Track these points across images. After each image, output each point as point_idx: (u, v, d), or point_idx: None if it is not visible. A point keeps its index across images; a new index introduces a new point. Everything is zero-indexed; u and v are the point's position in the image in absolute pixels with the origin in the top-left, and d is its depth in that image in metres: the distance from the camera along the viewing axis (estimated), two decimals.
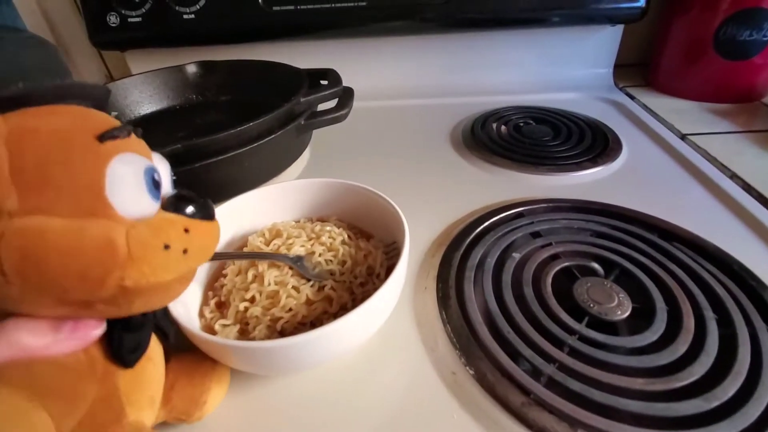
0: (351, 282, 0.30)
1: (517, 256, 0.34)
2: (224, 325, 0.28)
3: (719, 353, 0.26)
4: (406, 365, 0.28)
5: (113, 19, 0.59)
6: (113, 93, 0.53)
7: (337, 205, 0.36)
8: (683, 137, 0.52)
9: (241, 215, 0.34)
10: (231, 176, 0.41)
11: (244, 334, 0.27)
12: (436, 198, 0.44)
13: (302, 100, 0.44)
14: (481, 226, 0.38)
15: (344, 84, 0.49)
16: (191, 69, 0.57)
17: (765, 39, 0.53)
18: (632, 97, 0.63)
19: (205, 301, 0.30)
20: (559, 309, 0.30)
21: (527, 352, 0.27)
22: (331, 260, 0.31)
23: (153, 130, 0.52)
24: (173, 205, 0.18)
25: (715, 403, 0.24)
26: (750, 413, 0.23)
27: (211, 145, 0.37)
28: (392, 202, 0.32)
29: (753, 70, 0.56)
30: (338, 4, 0.58)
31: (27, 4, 0.67)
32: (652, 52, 0.67)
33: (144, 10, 0.59)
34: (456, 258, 0.35)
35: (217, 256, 0.30)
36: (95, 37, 0.61)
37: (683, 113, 0.57)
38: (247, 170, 0.41)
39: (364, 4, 0.58)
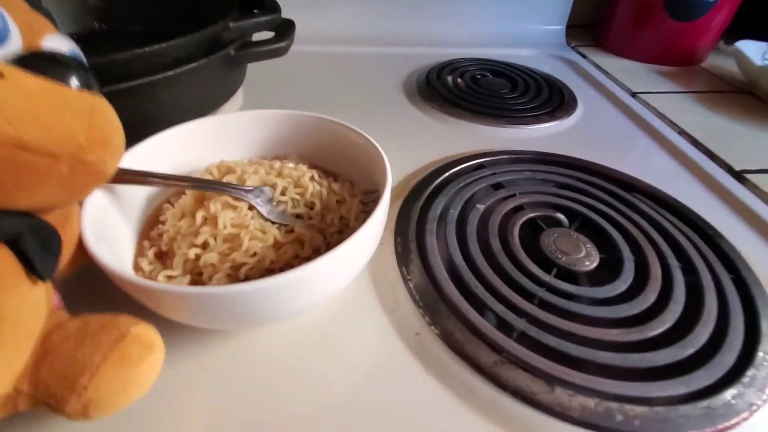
0: (323, 228, 0.25)
1: (481, 207, 0.31)
2: (170, 277, 0.22)
3: (687, 301, 0.25)
4: (363, 329, 0.24)
5: None
6: None
7: (298, 143, 0.30)
8: (634, 95, 0.52)
9: (171, 153, 0.27)
10: (140, 112, 0.33)
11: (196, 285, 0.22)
12: (390, 148, 0.38)
13: (232, 25, 0.36)
14: (441, 177, 0.35)
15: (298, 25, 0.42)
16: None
17: (711, 1, 0.54)
18: (584, 56, 0.62)
19: (140, 253, 0.24)
20: (528, 261, 0.27)
21: (497, 306, 0.24)
22: (297, 199, 0.26)
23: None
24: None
25: (690, 351, 0.22)
26: (725, 360, 0.22)
27: (113, 68, 0.29)
28: (370, 138, 0.28)
29: (697, 33, 0.57)
30: None
31: None
32: (602, 14, 0.66)
33: None
34: (415, 210, 0.31)
35: (143, 179, 0.23)
36: None
37: (631, 73, 0.57)
38: (162, 106, 0.33)
39: None
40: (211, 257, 0.22)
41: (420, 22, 0.63)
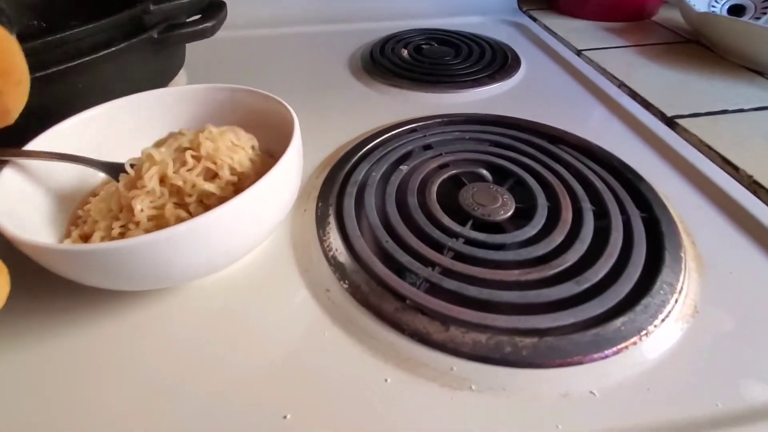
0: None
1: (405, 168, 0.32)
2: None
3: (593, 240, 0.26)
4: (279, 289, 0.25)
5: None
6: None
7: (217, 117, 0.30)
8: (579, 53, 0.52)
9: (89, 134, 0.28)
10: (62, 99, 0.33)
11: None
12: (330, 124, 0.39)
13: (153, 8, 0.36)
14: (370, 144, 0.35)
15: (233, 7, 0.42)
16: None
17: None
18: (534, 19, 0.62)
19: (67, 235, 0.25)
20: (442, 214, 0.28)
21: (405, 258, 0.25)
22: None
23: None
24: None
25: (586, 285, 0.23)
26: (619, 290, 0.23)
27: (27, 57, 0.30)
28: (277, 98, 0.28)
29: None
30: None
31: None
32: None
33: None
34: (339, 176, 0.32)
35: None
36: None
37: (581, 32, 0.57)
38: (87, 91, 0.34)
39: None
40: (135, 234, 0.22)
41: None
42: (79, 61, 0.31)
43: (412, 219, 0.27)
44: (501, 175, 0.32)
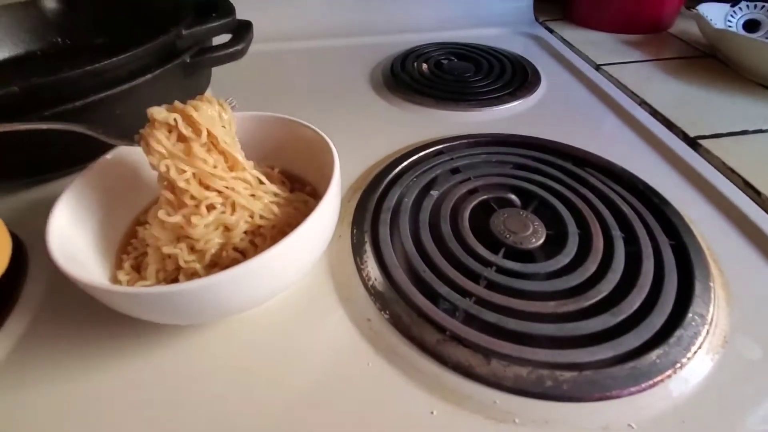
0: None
1: (435, 193, 0.33)
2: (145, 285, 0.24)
3: (625, 269, 0.27)
4: (320, 319, 0.26)
5: None
6: None
7: (257, 145, 0.31)
8: (597, 68, 0.52)
9: (131, 167, 0.28)
10: (98, 126, 0.34)
11: None
12: (355, 143, 0.40)
13: (185, 32, 0.37)
14: (399, 167, 0.36)
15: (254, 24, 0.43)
16: (49, 4, 0.47)
17: None
18: (551, 31, 0.62)
19: (118, 266, 0.26)
20: (476, 243, 0.28)
21: (443, 289, 0.25)
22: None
23: (7, 84, 0.42)
24: None
25: (622, 317, 0.24)
26: (654, 323, 0.24)
27: (62, 87, 0.30)
28: (319, 131, 0.29)
29: (659, 2, 0.57)
30: None
31: None
32: None
33: None
34: (372, 201, 0.32)
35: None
36: None
37: (598, 45, 0.57)
38: (121, 119, 0.35)
39: None
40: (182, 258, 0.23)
41: (384, 10, 0.63)
42: (119, 89, 0.32)
43: (447, 247, 0.28)
44: (529, 198, 0.33)
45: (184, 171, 0.23)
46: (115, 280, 0.25)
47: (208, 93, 0.25)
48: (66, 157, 0.35)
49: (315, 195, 0.31)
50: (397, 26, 0.62)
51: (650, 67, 0.52)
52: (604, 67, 0.52)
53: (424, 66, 0.53)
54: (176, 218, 0.23)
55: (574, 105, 0.46)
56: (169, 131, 0.23)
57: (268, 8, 0.59)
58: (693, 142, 0.39)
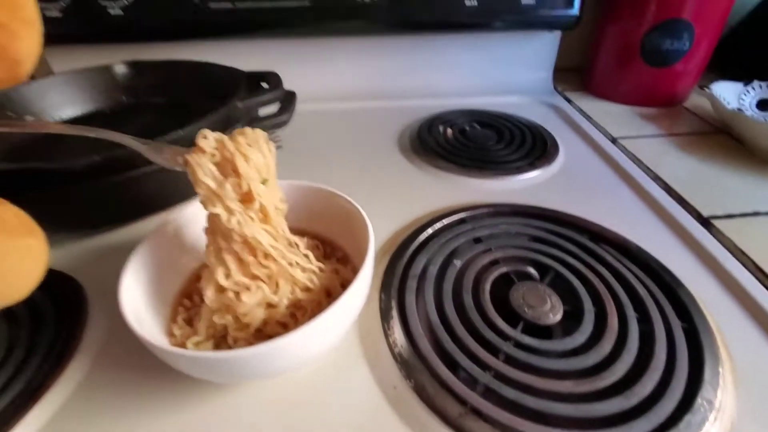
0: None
1: (458, 263, 0.35)
2: (197, 342, 0.27)
3: (639, 351, 0.28)
4: (347, 381, 0.28)
5: None
6: (30, 93, 0.49)
7: (294, 211, 0.34)
8: (614, 141, 0.55)
9: (192, 230, 0.32)
10: (163, 189, 0.39)
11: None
12: (382, 205, 0.44)
13: (240, 105, 0.42)
14: (425, 234, 0.39)
15: (286, 85, 0.48)
16: (120, 69, 0.54)
17: (685, 48, 0.58)
18: (569, 101, 0.66)
19: (173, 318, 0.29)
20: (496, 316, 0.30)
21: (465, 362, 0.27)
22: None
23: (78, 137, 0.48)
24: None
25: (635, 401, 0.25)
26: (665, 408, 0.25)
27: (136, 156, 0.35)
28: (357, 206, 0.31)
29: (675, 77, 0.61)
30: (280, 3, 0.56)
31: None
32: (586, 58, 0.70)
33: (63, 4, 0.54)
34: (399, 267, 0.35)
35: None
36: None
37: (615, 117, 0.61)
38: (182, 181, 0.39)
39: (307, 3, 0.56)
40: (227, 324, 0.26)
41: (414, 76, 0.68)
42: None
43: (469, 318, 0.30)
44: (547, 270, 0.35)
45: (233, 212, 0.24)
46: (170, 332, 0.28)
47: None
48: (129, 211, 0.39)
49: (346, 260, 0.34)
50: (425, 91, 0.67)
51: (665, 142, 0.54)
52: (620, 140, 0.55)
53: (449, 131, 0.57)
54: (228, 297, 0.26)
55: (591, 177, 0.49)
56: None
57: (307, 71, 0.65)
58: (706, 222, 0.41)
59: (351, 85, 0.67)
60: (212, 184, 0.24)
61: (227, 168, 0.24)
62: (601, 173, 0.49)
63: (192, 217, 0.32)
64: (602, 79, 0.67)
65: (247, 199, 0.25)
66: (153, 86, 0.54)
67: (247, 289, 0.26)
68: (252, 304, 0.26)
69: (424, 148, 0.53)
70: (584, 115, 0.62)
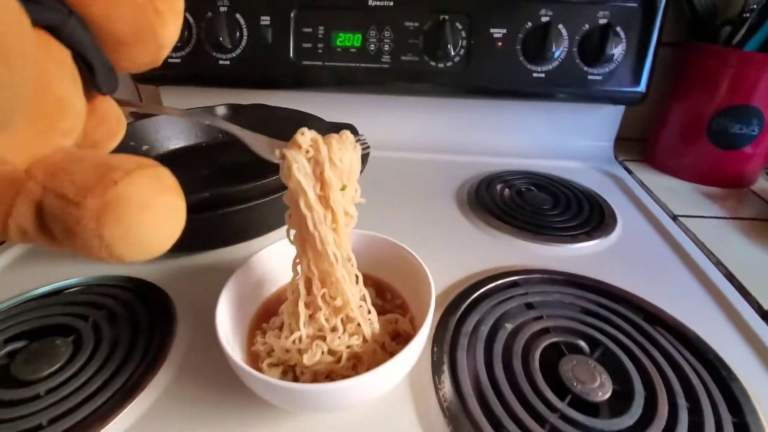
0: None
1: (509, 326, 0.37)
2: (270, 364, 0.31)
3: None
4: (397, 424, 0.30)
5: None
6: (147, 127, 0.57)
7: (359, 257, 0.38)
8: (675, 218, 0.55)
9: (271, 264, 0.37)
10: (250, 222, 0.44)
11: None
12: (436, 256, 0.45)
13: None
14: (478, 292, 0.41)
15: (361, 132, 0.53)
16: (221, 110, 0.62)
17: (753, 133, 0.57)
18: (630, 172, 0.67)
19: (250, 340, 0.33)
20: (545, 385, 0.32)
21: (512, 426, 0.29)
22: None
23: (179, 165, 0.55)
24: None
25: None
26: None
27: (236, 195, 0.41)
28: (422, 264, 0.35)
29: (742, 160, 0.60)
30: (362, 64, 0.63)
31: None
32: (651, 129, 0.71)
33: (184, 53, 0.64)
34: (452, 323, 0.37)
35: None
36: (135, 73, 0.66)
37: (677, 193, 0.61)
38: (265, 217, 0.44)
39: (386, 66, 0.63)
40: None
41: (476, 133, 0.72)
42: (270, 198, 0.42)
43: (518, 384, 0.32)
44: (598, 344, 0.36)
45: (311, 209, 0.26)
46: (247, 350, 0.32)
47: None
48: (220, 240, 0.45)
49: (405, 308, 0.37)
50: (487, 149, 0.71)
51: (729, 225, 0.54)
52: (681, 219, 0.55)
53: (507, 191, 0.59)
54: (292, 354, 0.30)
55: (649, 254, 0.49)
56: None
57: (380, 121, 0.71)
58: (766, 316, 0.40)
59: (418, 138, 0.72)
60: (303, 181, 0.25)
61: (316, 170, 0.25)
62: (660, 251, 0.50)
63: (278, 251, 0.37)
64: (666, 153, 0.67)
65: (323, 203, 0.26)
66: (247, 127, 0.62)
67: (309, 349, 0.29)
68: (312, 363, 0.29)
69: (480, 205, 0.56)
70: (645, 188, 0.63)
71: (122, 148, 0.53)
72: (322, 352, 0.29)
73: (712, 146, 0.60)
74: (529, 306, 0.40)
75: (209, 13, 0.62)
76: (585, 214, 0.55)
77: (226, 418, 0.30)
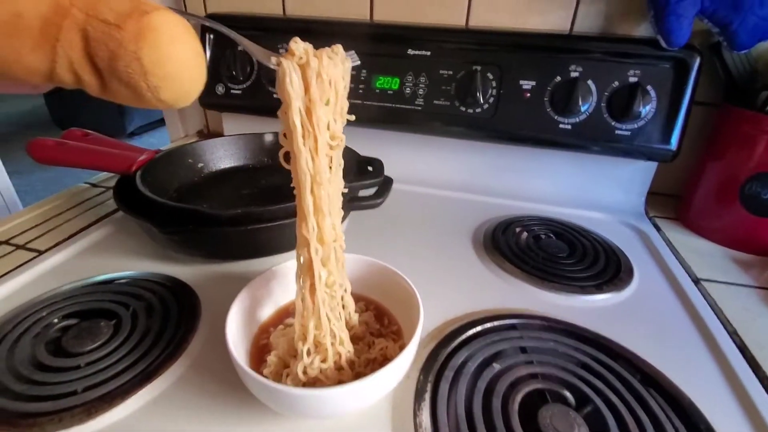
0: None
1: (497, 366, 0.38)
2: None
3: None
4: None
5: (220, 89, 0.74)
6: (204, 147, 0.66)
7: (358, 281, 0.42)
8: (697, 281, 0.54)
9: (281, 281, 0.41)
10: (273, 239, 0.49)
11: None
12: (442, 290, 0.49)
13: (346, 186, 0.52)
14: (473, 330, 0.43)
15: (388, 164, 0.58)
16: (268, 137, 0.69)
17: None
18: (659, 229, 0.66)
19: (255, 344, 0.38)
20: (519, 429, 0.33)
21: None
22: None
23: (225, 183, 0.63)
24: None
25: None
26: None
27: (264, 214, 0.46)
28: (415, 291, 0.38)
29: None
30: (397, 105, 0.68)
31: None
32: (684, 187, 0.70)
33: (245, 86, 0.73)
34: (442, 355, 0.39)
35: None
36: (204, 99, 0.76)
37: (704, 256, 0.59)
38: (288, 236, 0.49)
39: (419, 108, 0.68)
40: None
41: (502, 176, 0.74)
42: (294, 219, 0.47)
43: (492, 423, 0.33)
44: (583, 400, 0.36)
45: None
46: (251, 354, 0.36)
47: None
48: (248, 252, 0.50)
49: (399, 335, 0.39)
50: (512, 192, 0.72)
51: (754, 296, 0.51)
52: (703, 282, 0.53)
53: (524, 236, 0.61)
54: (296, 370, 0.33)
55: (659, 314, 0.48)
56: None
57: (407, 157, 0.75)
58: None
59: (444, 175, 0.75)
60: (292, 94, 0.26)
61: (304, 80, 0.27)
62: (673, 313, 0.48)
63: (287, 269, 0.41)
64: (698, 213, 0.65)
65: (308, 113, 0.28)
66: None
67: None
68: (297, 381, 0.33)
69: (494, 246, 0.57)
70: (671, 246, 0.61)
71: (182, 164, 0.62)
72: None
73: (745, 211, 0.58)
74: (522, 350, 0.41)
75: None
76: (600, 266, 0.54)
77: (225, 409, 0.34)
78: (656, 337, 0.44)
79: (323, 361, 0.33)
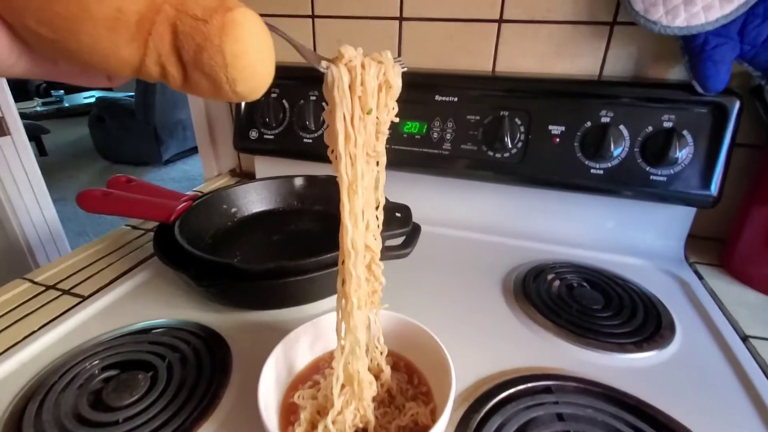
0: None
1: None
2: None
3: None
4: None
5: (254, 134, 0.77)
6: (238, 192, 0.68)
7: (390, 337, 0.41)
8: (745, 339, 0.50)
9: (316, 336, 0.42)
10: (305, 290, 0.50)
11: None
12: (471, 346, 0.47)
13: None
14: (506, 392, 0.41)
15: (416, 206, 0.58)
16: (298, 181, 0.71)
17: None
18: (701, 277, 0.63)
19: (287, 397, 0.38)
20: None
21: None
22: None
23: (256, 227, 0.65)
24: None
25: None
26: None
27: (297, 267, 0.47)
28: (449, 359, 0.37)
29: None
30: (424, 150, 0.69)
31: (198, 108, 0.90)
32: (728, 231, 0.66)
33: (277, 131, 0.76)
34: (474, 420, 0.38)
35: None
36: (238, 143, 0.79)
37: (752, 308, 0.55)
38: (318, 287, 0.50)
39: (446, 153, 0.68)
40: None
41: (533, 219, 0.73)
42: (324, 272, 0.48)
43: None
44: None
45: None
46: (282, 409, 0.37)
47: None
48: (279, 303, 0.51)
49: (429, 397, 0.39)
50: (543, 236, 0.70)
51: None
52: (752, 340, 0.50)
53: (555, 284, 0.59)
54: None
55: (706, 377, 0.45)
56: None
57: (436, 200, 0.76)
58: None
59: (474, 218, 0.74)
60: (337, 98, 0.27)
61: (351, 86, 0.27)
62: (720, 374, 0.46)
63: (321, 325, 0.42)
64: (744, 260, 0.62)
65: (351, 119, 0.28)
66: (317, 197, 0.71)
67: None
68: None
69: (525, 296, 0.56)
70: (715, 298, 0.58)
71: (216, 211, 0.65)
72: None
73: None
74: (559, 417, 0.39)
75: (301, 101, 0.74)
76: (638, 321, 0.52)
77: None
78: (701, 401, 0.42)
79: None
